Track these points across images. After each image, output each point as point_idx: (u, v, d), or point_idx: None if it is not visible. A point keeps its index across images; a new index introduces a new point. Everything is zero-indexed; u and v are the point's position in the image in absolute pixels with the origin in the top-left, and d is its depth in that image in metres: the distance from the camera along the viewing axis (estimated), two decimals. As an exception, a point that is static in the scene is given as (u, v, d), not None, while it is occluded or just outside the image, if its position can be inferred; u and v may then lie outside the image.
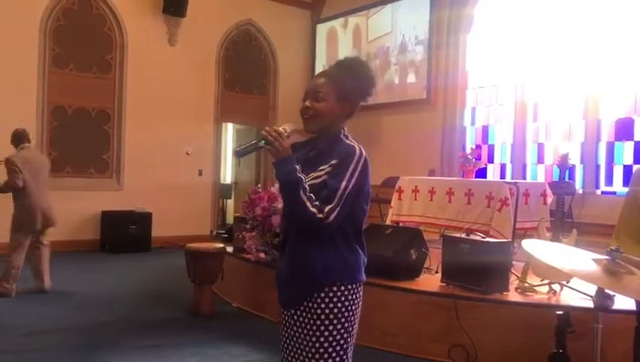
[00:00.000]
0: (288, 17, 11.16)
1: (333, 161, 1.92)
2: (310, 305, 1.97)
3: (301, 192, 1.86)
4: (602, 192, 7.25)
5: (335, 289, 1.96)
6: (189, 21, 9.78)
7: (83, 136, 8.36)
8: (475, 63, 8.84)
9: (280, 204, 5.31)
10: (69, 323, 4.98)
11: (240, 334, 4.82)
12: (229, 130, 12.46)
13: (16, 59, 8.40)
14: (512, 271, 4.50)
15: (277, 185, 5.56)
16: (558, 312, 2.40)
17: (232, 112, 10.78)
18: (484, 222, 5.43)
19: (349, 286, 1.98)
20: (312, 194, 1.87)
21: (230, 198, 12.04)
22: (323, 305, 1.95)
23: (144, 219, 9.12)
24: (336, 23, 10.96)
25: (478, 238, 4.45)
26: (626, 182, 6.86)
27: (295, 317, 2.01)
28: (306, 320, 1.98)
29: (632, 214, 2.34)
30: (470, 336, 4.00)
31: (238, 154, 1.98)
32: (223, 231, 7.61)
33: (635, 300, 2.07)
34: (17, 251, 5.86)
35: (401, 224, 5.96)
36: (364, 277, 2.05)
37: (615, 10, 7.08)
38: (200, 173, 10.19)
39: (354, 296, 2.00)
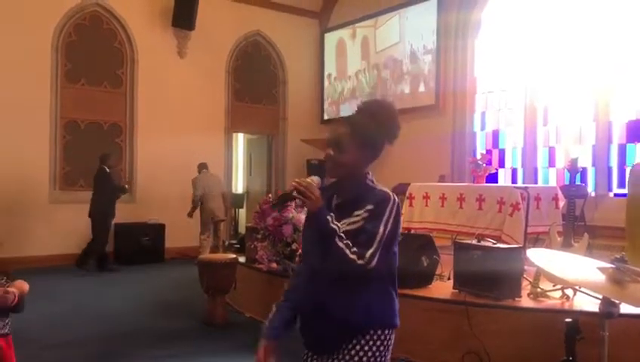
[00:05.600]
0: (296, 27, 11.25)
1: (369, 207, 1.90)
2: (346, 351, 1.92)
3: (337, 240, 1.85)
4: (615, 195, 7.19)
5: (371, 334, 1.93)
6: (198, 33, 9.89)
7: (96, 150, 8.47)
8: (483, 68, 8.83)
9: (291, 214, 5.35)
10: (86, 335, 5.06)
11: (253, 344, 4.77)
12: (240, 140, 12.53)
13: (29, 75, 8.55)
14: (525, 276, 4.48)
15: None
16: (566, 320, 2.40)
17: (243, 122, 10.87)
18: (496, 228, 5.40)
19: (386, 332, 1.95)
20: (349, 241, 1.86)
21: (242, 208, 12.08)
22: (361, 353, 1.91)
23: (157, 231, 9.23)
24: (345, 35, 11.01)
25: (490, 244, 4.43)
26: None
27: None
28: None
29: None
30: (483, 343, 3.99)
31: (275, 206, 2.03)
32: (235, 242, 7.66)
33: None
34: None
35: (412, 230, 5.95)
36: (398, 322, 2.01)
37: (623, 11, 7.05)
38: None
39: (388, 342, 1.97)
